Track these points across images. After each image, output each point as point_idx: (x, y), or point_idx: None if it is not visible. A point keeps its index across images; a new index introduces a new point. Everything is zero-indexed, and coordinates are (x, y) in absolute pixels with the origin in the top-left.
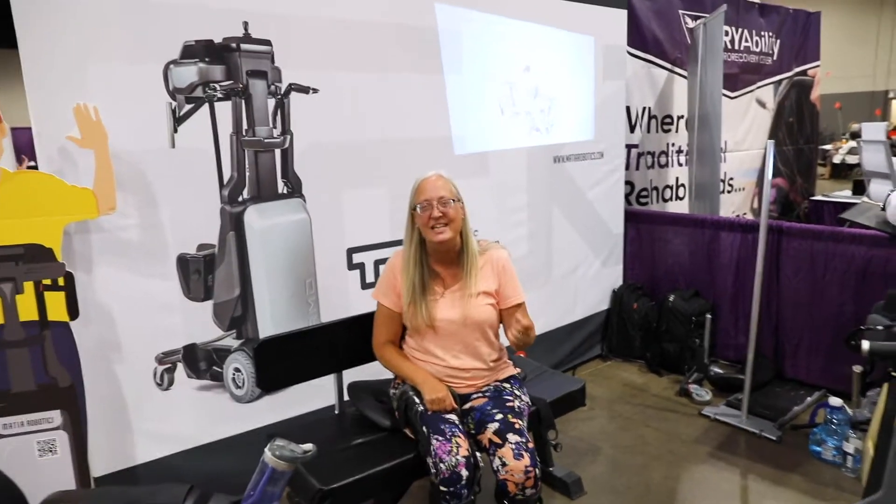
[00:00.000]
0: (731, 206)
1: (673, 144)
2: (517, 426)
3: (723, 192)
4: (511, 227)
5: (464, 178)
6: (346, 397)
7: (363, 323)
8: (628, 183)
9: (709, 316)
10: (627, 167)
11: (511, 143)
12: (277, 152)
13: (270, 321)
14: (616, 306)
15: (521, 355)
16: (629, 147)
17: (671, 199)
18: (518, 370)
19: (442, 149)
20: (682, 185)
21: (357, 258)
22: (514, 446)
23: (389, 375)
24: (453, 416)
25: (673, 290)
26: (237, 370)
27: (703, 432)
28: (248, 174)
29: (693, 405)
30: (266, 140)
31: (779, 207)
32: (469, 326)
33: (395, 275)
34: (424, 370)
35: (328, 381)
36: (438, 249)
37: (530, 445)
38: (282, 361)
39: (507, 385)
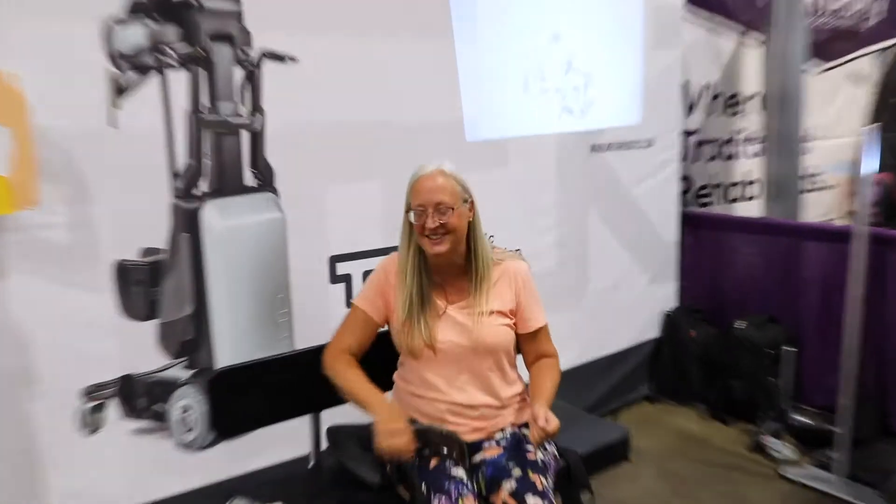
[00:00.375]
0: (819, 209)
1: (742, 131)
2: (540, 486)
3: (806, 190)
4: (536, 233)
5: (477, 172)
6: (324, 445)
7: None
8: (684, 178)
9: (788, 349)
10: (684, 159)
11: (537, 127)
12: (245, 135)
13: (231, 347)
14: (668, 334)
15: None
16: (686, 134)
17: (739, 198)
18: None
19: (450, 135)
20: (754, 181)
21: (342, 269)
22: None
23: None
24: (460, 472)
25: (742, 315)
26: (186, 409)
27: (782, 501)
28: (207, 162)
29: (769, 464)
30: (231, 120)
31: (883, 210)
32: (479, 352)
33: (388, 280)
34: (383, 396)
35: (302, 424)
36: (435, 261)
37: None
38: (244, 398)
39: (528, 432)
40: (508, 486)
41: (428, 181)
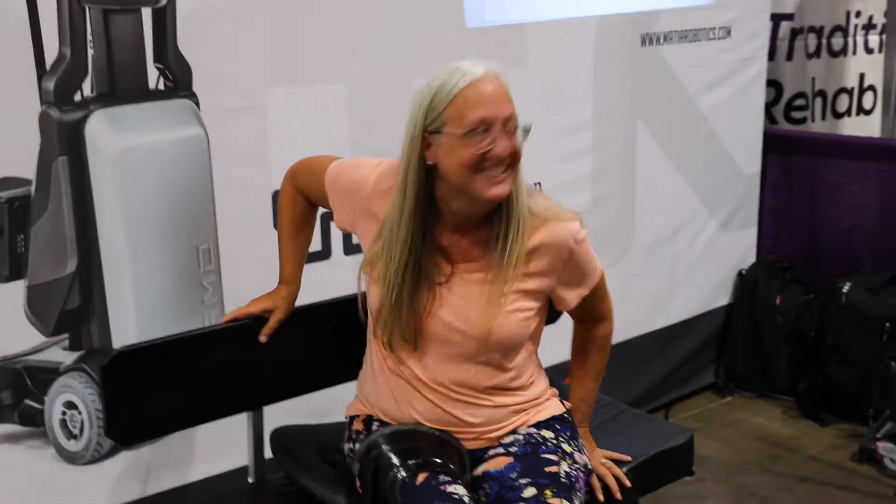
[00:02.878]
0: None
1: (858, 14)
2: None
3: None
4: (563, 160)
5: None
6: (269, 454)
7: (302, 322)
8: (772, 83)
9: None
10: (772, 56)
11: (566, 8)
12: (146, 14)
13: (133, 319)
14: (745, 301)
15: None
16: (777, 18)
17: (850, 111)
18: (568, 406)
19: (443, 18)
20: (872, 86)
21: None
22: None
23: (341, 415)
24: (458, 488)
25: (850, 275)
26: (70, 406)
27: None
28: (91, 53)
29: (885, 478)
30: None
31: None
32: (490, 345)
33: (359, 199)
34: (293, 258)
35: (238, 425)
36: (472, 210)
37: None
38: (152, 391)
39: (549, 434)
40: None
41: (488, 85)
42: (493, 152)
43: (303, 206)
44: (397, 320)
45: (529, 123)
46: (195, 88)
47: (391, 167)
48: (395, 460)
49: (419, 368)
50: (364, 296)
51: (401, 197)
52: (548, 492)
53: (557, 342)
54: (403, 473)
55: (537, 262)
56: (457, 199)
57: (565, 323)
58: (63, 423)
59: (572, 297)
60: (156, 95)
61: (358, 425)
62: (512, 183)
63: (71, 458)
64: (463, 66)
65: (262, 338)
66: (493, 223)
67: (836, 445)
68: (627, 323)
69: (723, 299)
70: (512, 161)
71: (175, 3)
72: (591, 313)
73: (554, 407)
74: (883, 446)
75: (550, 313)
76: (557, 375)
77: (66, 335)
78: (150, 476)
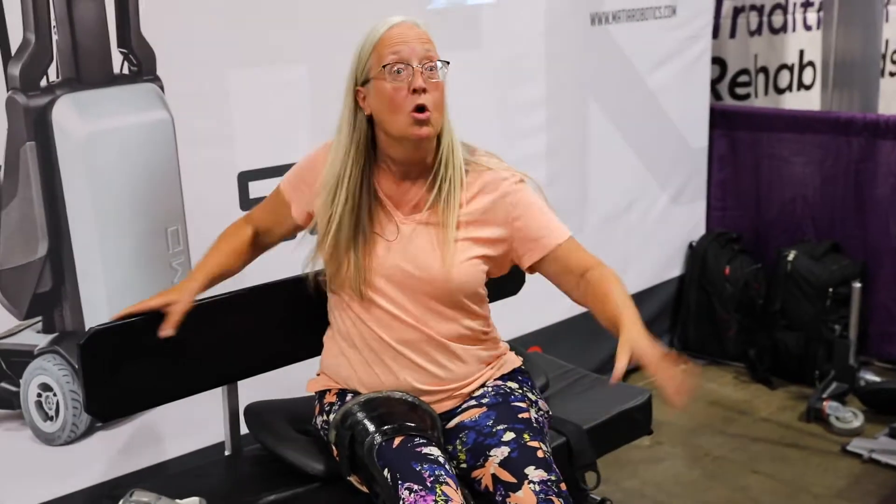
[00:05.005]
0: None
1: None
2: (540, 453)
3: (883, 74)
4: (518, 137)
5: (438, 50)
6: (244, 428)
7: (270, 298)
8: (717, 61)
9: (857, 285)
10: (716, 34)
11: None
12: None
13: (106, 300)
14: (695, 272)
15: (537, 351)
16: None
17: (791, 87)
18: (520, 360)
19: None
20: (811, 62)
21: (257, 189)
22: (537, 487)
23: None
24: (433, 450)
25: (794, 244)
26: (45, 388)
27: (850, 482)
28: (56, 39)
29: (832, 436)
30: None
31: None
32: (449, 290)
33: (316, 175)
34: (206, 269)
35: (214, 401)
36: (407, 155)
37: (563, 487)
38: (130, 368)
39: (514, 385)
40: (500, 454)
41: (404, 28)
42: (415, 86)
43: (246, 236)
44: (347, 256)
45: (446, 61)
46: (159, 72)
47: (325, 148)
48: (371, 427)
49: (394, 326)
50: (315, 276)
51: (340, 149)
52: (525, 435)
53: (519, 315)
54: (380, 438)
55: (478, 206)
56: (394, 146)
57: (525, 297)
58: (39, 404)
59: (547, 237)
60: (121, 80)
61: (331, 398)
62: (438, 123)
63: (48, 439)
64: (379, 22)
65: (169, 331)
66: (434, 174)
67: (785, 407)
68: None
69: (675, 271)
70: (435, 102)
71: None
72: (583, 268)
73: (513, 360)
74: (829, 405)
75: (509, 284)
76: (522, 346)
77: (39, 318)
78: (127, 454)
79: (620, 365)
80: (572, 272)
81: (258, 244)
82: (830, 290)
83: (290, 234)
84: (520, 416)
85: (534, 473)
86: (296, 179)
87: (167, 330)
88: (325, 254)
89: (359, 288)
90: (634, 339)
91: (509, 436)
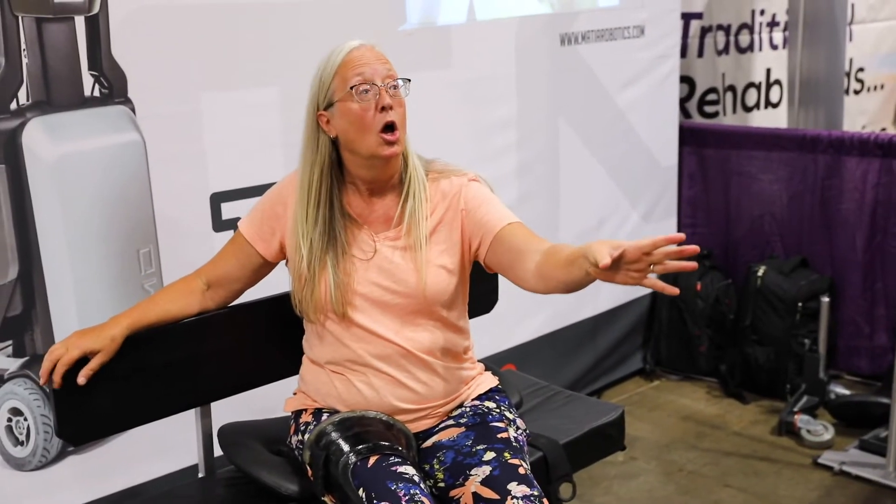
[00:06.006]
0: (862, 117)
1: (762, 12)
2: (522, 470)
3: (847, 92)
4: (490, 157)
5: (410, 71)
6: (218, 450)
7: (244, 319)
8: (685, 80)
9: (826, 299)
10: (684, 53)
11: (490, 10)
12: (79, 22)
13: (77, 323)
14: None
15: (512, 368)
16: (687, 17)
17: (759, 105)
18: (496, 379)
19: (377, 20)
20: (778, 81)
21: (229, 211)
22: (521, 503)
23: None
24: (408, 468)
25: (764, 259)
26: (16, 413)
27: (821, 494)
28: (26, 62)
29: (803, 449)
30: (58, 1)
31: None
32: (426, 301)
33: (285, 205)
34: (137, 311)
35: (186, 423)
36: (376, 174)
37: (546, 503)
38: (99, 393)
39: (492, 404)
40: (481, 473)
41: (363, 50)
42: (383, 104)
43: (190, 284)
44: (326, 281)
45: (407, 78)
46: (131, 95)
47: (290, 179)
48: (346, 446)
49: (374, 343)
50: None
51: (306, 174)
52: (506, 454)
53: (494, 333)
54: (354, 458)
55: (440, 213)
56: (363, 165)
57: (498, 316)
58: (9, 429)
59: (495, 220)
60: (92, 102)
61: (307, 417)
62: (404, 141)
63: (18, 464)
64: (338, 46)
65: (81, 379)
66: (402, 188)
67: (757, 421)
68: (557, 313)
69: (646, 288)
70: (400, 119)
71: (108, 10)
72: (522, 247)
73: (490, 380)
74: (800, 419)
75: (483, 302)
76: (496, 364)
77: (10, 342)
78: (100, 478)
79: (605, 253)
80: (524, 252)
81: (209, 297)
82: (799, 304)
83: (255, 280)
84: (499, 435)
85: (517, 489)
86: (260, 217)
87: (80, 379)
88: (301, 279)
89: (341, 308)
90: (606, 241)
91: (490, 455)
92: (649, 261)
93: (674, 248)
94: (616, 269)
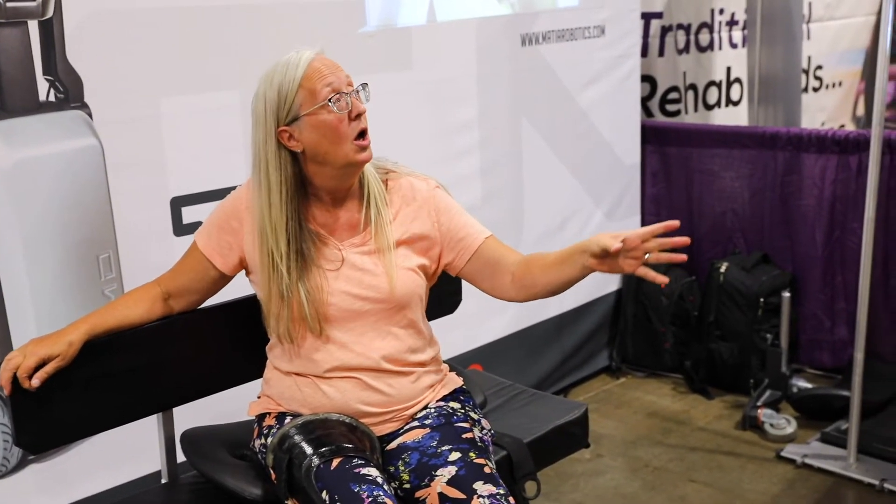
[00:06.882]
0: (821, 114)
1: (721, 11)
2: (487, 469)
3: (806, 89)
4: (452, 158)
5: (371, 73)
6: (181, 456)
7: (205, 323)
8: (647, 79)
9: (787, 294)
10: (645, 52)
11: (450, 11)
12: (33, 26)
13: (36, 330)
14: (632, 286)
15: (477, 369)
16: (647, 17)
17: (720, 103)
18: (460, 380)
19: (337, 23)
20: (738, 79)
21: (190, 215)
22: (487, 501)
23: (247, 414)
24: (371, 470)
25: (726, 256)
26: None
27: (784, 487)
28: None
29: (766, 443)
30: (10, 4)
31: None
32: (397, 304)
33: (240, 222)
34: (95, 317)
35: (148, 429)
36: (343, 182)
37: (511, 501)
38: (58, 400)
39: (456, 405)
40: (447, 473)
41: (323, 61)
42: (357, 109)
43: (149, 291)
44: (295, 297)
45: (364, 83)
46: (87, 99)
47: (245, 189)
48: (309, 449)
49: (346, 353)
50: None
51: (265, 193)
52: (471, 454)
53: (461, 333)
54: (318, 460)
55: (405, 217)
56: (332, 176)
57: (462, 316)
58: None
59: (472, 235)
60: (47, 107)
61: (270, 421)
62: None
63: None
64: (291, 58)
65: (35, 381)
66: (362, 194)
67: (721, 416)
68: (521, 312)
69: (612, 285)
70: (365, 123)
71: (62, 14)
72: (500, 260)
73: (454, 380)
74: (763, 413)
75: (446, 303)
76: (461, 364)
77: None
78: (60, 487)
79: (611, 240)
80: (500, 264)
81: (168, 306)
82: (761, 300)
83: (213, 291)
84: (463, 436)
85: (482, 488)
86: (216, 230)
87: (34, 381)
88: (272, 302)
89: (317, 326)
90: (604, 234)
91: (455, 455)
92: (645, 248)
93: (667, 239)
94: (615, 257)
